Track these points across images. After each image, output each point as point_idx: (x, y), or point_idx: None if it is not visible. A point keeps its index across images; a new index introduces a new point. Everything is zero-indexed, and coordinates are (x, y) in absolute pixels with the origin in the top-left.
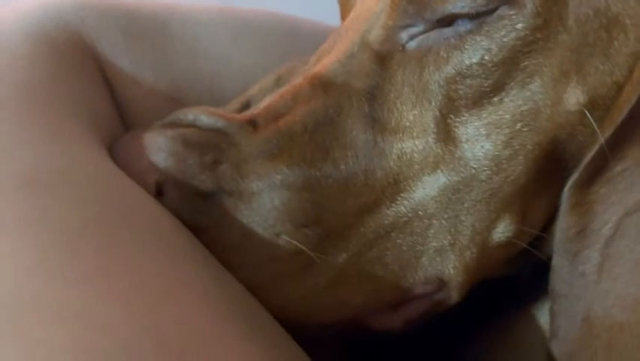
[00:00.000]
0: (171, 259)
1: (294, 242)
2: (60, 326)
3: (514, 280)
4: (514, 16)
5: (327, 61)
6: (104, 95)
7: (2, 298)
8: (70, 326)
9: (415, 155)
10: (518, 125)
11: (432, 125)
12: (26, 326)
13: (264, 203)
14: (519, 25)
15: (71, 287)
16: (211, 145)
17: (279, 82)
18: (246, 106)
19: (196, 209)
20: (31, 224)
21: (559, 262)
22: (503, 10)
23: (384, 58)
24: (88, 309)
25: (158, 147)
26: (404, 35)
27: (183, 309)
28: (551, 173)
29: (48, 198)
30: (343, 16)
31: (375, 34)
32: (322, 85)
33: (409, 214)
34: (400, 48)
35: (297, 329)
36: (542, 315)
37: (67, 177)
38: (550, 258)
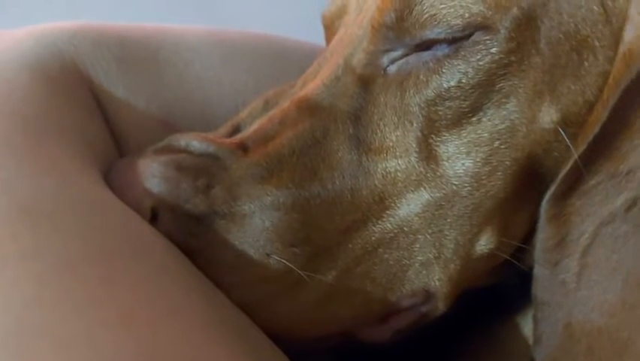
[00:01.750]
0: (166, 283)
1: (284, 262)
2: (61, 353)
3: (499, 289)
4: (488, 41)
5: (312, 84)
6: (99, 122)
7: (5, 328)
8: (70, 354)
9: (399, 173)
10: (496, 143)
11: (414, 145)
12: (28, 354)
13: (255, 224)
14: (493, 50)
15: (70, 316)
16: (203, 170)
17: (267, 105)
18: (236, 130)
19: (190, 232)
20: (30, 255)
21: (540, 272)
22: (478, 36)
23: (367, 81)
24: (87, 336)
25: (152, 173)
26: (385, 59)
27: (179, 332)
28: (530, 187)
29: (47, 229)
30: (328, 40)
31: (358, 58)
32: (309, 108)
33: (395, 230)
34: (382, 72)
35: (290, 344)
36: (527, 322)
37: (64, 207)
38: (532, 267)
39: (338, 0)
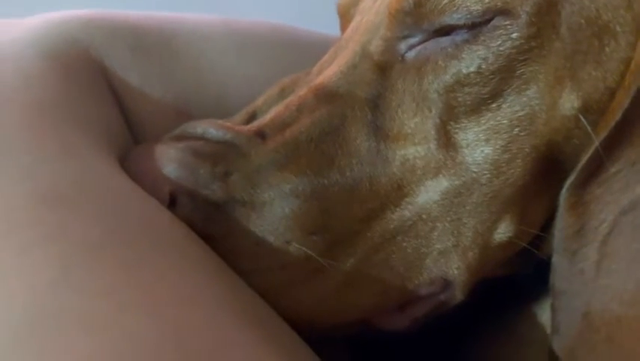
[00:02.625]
0: (188, 267)
1: (304, 249)
2: (86, 336)
3: (516, 278)
4: (509, 26)
5: (329, 72)
6: (114, 110)
7: (32, 309)
8: (95, 337)
9: (418, 161)
10: (516, 130)
11: (433, 132)
12: (53, 336)
13: (275, 212)
14: (514, 35)
15: (96, 298)
16: (221, 156)
17: (283, 93)
18: (252, 117)
19: (208, 218)
20: (53, 239)
21: (558, 260)
22: (498, 21)
23: (384, 68)
24: (112, 319)
25: (170, 159)
26: (403, 46)
27: (203, 316)
28: (549, 175)
29: (68, 213)
30: (343, 28)
31: (375, 45)
32: (326, 95)
33: (414, 218)
34: (400, 58)
35: (308, 331)
36: (544, 312)
37: (84, 192)
38: (550, 256)
39: None
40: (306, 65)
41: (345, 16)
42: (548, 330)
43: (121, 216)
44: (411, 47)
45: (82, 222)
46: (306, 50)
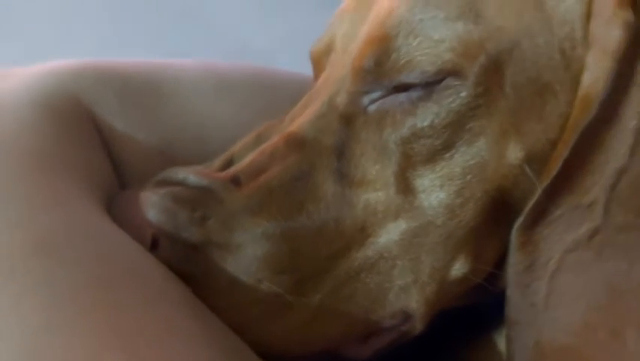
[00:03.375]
0: (166, 308)
1: (274, 287)
2: None
3: (479, 307)
4: (458, 86)
5: (300, 120)
6: (102, 155)
7: (22, 353)
8: None
9: (379, 205)
10: (468, 177)
11: (392, 179)
12: None
13: (248, 253)
14: (463, 94)
15: (77, 341)
16: (199, 202)
17: (259, 139)
18: (230, 163)
19: (187, 259)
20: (43, 286)
21: (512, 294)
22: (449, 81)
23: (349, 119)
24: (94, 359)
25: (152, 204)
26: (366, 99)
27: (177, 354)
28: (500, 216)
29: (56, 262)
30: (316, 75)
31: (341, 98)
32: (296, 143)
33: (376, 257)
34: (363, 111)
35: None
36: (502, 341)
37: (72, 240)
38: (504, 290)
39: (325, 38)
40: (284, 108)
41: (317, 65)
42: (505, 358)
43: (105, 262)
44: (372, 101)
45: (68, 269)
46: (286, 94)
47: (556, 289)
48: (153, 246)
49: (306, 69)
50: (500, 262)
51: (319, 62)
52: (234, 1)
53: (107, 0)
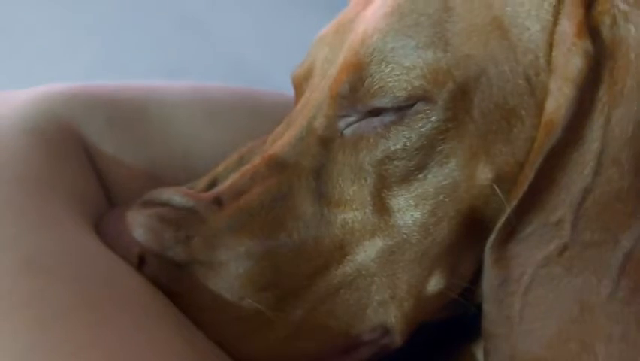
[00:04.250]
0: (150, 324)
1: (256, 304)
2: None
3: (461, 319)
4: (428, 111)
5: (280, 143)
6: (91, 178)
7: None
8: None
9: (356, 224)
10: (441, 197)
11: (368, 199)
12: None
13: (230, 271)
14: (433, 118)
15: (68, 359)
16: (183, 222)
17: (241, 161)
18: (214, 183)
19: (172, 277)
20: (30, 306)
21: (488, 308)
22: (420, 106)
23: (327, 142)
24: None
25: (138, 224)
26: (342, 123)
27: None
28: (474, 234)
29: (45, 281)
30: (297, 99)
31: (319, 122)
32: (276, 165)
33: (354, 274)
34: (339, 134)
35: None
36: (481, 353)
37: (60, 259)
38: (480, 304)
39: (306, 63)
40: (268, 129)
41: (298, 88)
42: None
43: (92, 280)
44: (348, 125)
45: (56, 287)
46: (269, 116)
47: (529, 303)
48: (140, 264)
49: None
50: (475, 277)
51: (300, 85)
52: (231, 16)
53: (106, 15)
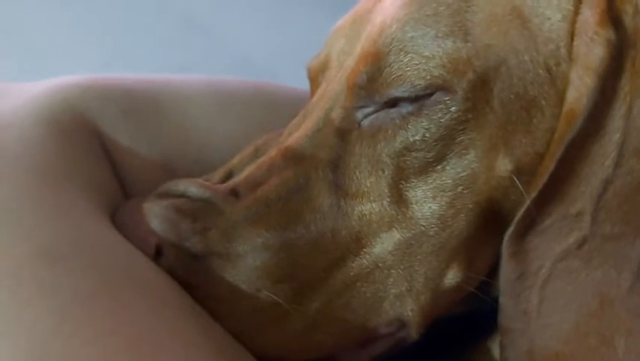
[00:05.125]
0: (168, 315)
1: (273, 296)
2: None
3: (476, 314)
4: (448, 101)
5: (297, 135)
6: (106, 169)
7: (32, 357)
8: None
9: (373, 216)
10: (459, 189)
11: (386, 190)
12: None
13: (247, 263)
14: (452, 108)
15: (85, 346)
16: (200, 213)
17: (257, 153)
18: (229, 175)
19: (189, 268)
20: (50, 293)
21: (504, 302)
22: (439, 96)
23: (344, 133)
24: None
25: (155, 215)
26: (359, 114)
27: (181, 358)
28: (492, 226)
29: (63, 270)
30: (312, 91)
31: (336, 113)
32: (293, 157)
33: (371, 266)
34: (357, 125)
35: None
36: (496, 347)
37: (78, 248)
38: (497, 298)
39: (321, 55)
40: (283, 122)
41: (314, 80)
42: None
43: (110, 270)
44: (366, 116)
45: (75, 276)
46: (284, 109)
47: (547, 297)
48: (156, 255)
49: (306, 82)
50: (493, 270)
51: (316, 77)
52: (235, 14)
53: (112, 15)
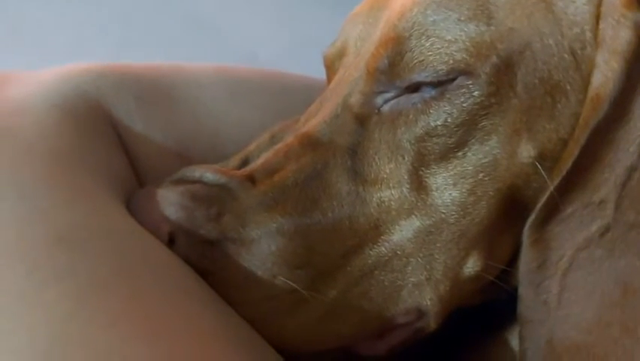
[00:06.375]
0: (183, 300)
1: (289, 282)
2: None
3: (493, 305)
4: (471, 85)
5: (314, 121)
6: (120, 155)
7: (50, 340)
8: None
9: (392, 203)
10: (480, 175)
11: (406, 177)
12: None
13: (263, 249)
14: (475, 93)
15: (104, 330)
16: (215, 199)
17: (273, 139)
18: (245, 162)
19: (204, 255)
20: (67, 277)
21: (524, 292)
22: (462, 80)
23: (363, 119)
24: (115, 349)
25: (169, 202)
26: (379, 100)
27: (196, 344)
28: (513, 214)
29: (79, 254)
30: (329, 78)
31: (355, 99)
32: (311, 143)
33: (389, 254)
34: (376, 111)
35: (294, 356)
36: (514, 339)
37: (93, 233)
38: (517, 288)
39: (338, 42)
40: (295, 110)
41: (330, 68)
42: (517, 356)
43: (125, 255)
44: (386, 101)
45: (90, 261)
46: (297, 97)
47: (568, 286)
48: (170, 242)
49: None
50: (513, 259)
51: (332, 65)
52: (242, 11)
53: (117, 11)
